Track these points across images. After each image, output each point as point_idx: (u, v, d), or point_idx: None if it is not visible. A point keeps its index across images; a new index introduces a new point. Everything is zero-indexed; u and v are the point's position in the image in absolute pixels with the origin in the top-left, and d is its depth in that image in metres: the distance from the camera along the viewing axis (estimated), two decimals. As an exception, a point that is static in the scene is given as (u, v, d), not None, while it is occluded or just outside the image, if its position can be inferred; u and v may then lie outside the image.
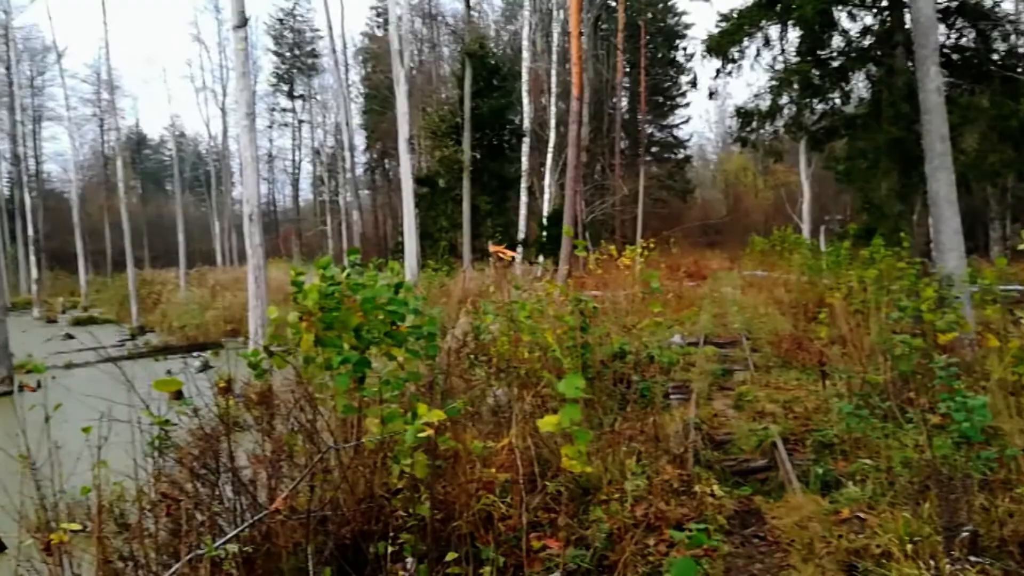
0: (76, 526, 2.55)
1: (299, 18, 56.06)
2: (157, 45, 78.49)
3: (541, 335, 5.27)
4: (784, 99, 17.28)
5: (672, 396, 6.94)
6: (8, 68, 43.77)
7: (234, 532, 2.43)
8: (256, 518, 2.52)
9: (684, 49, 47.63)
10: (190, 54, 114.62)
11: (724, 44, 17.30)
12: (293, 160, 58.95)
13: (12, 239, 44.40)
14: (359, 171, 46.09)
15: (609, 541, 3.14)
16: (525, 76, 29.80)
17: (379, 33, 50.01)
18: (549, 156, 29.28)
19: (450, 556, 3.01)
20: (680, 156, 49.62)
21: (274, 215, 59.28)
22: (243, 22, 10.51)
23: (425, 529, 3.29)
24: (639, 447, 4.29)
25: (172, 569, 2.33)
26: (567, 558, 2.96)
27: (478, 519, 3.18)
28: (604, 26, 40.61)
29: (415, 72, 38.30)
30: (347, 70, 34.05)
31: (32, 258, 36.27)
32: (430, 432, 2.65)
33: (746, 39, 17.23)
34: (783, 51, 17.81)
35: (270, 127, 56.26)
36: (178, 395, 6.16)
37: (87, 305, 34.67)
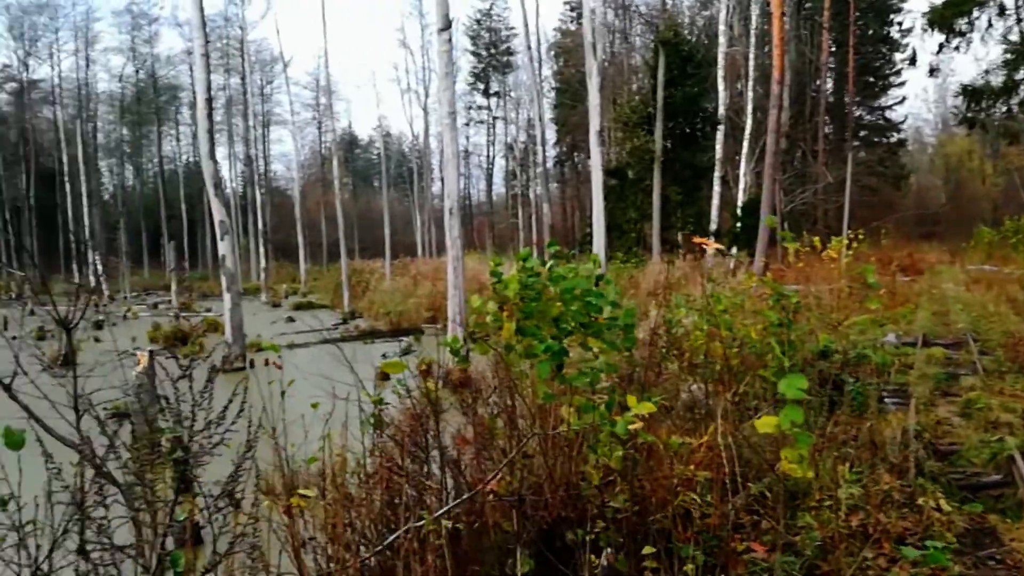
0: (312, 492, 2.82)
1: (495, 17, 57.95)
2: (368, 52, 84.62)
3: (745, 331, 5.06)
4: (1021, 74, 15.29)
5: (887, 400, 6.39)
6: (243, 79, 49.19)
7: (448, 507, 2.57)
8: (467, 496, 2.64)
9: (899, 24, 43.49)
10: (397, 58, 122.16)
11: (950, 16, 15.64)
12: (487, 155, 61.14)
13: (244, 232, 49.79)
14: (549, 164, 46.78)
15: (821, 550, 2.96)
16: (721, 61, 28.71)
17: (572, 28, 50.42)
18: (745, 143, 28.01)
19: (647, 550, 2.97)
20: (893, 140, 45.41)
21: (469, 209, 61.80)
22: (447, 25, 11.03)
23: (621, 521, 3.28)
24: (852, 453, 3.99)
25: (392, 536, 2.50)
26: (776, 564, 2.83)
27: (676, 515, 3.12)
28: (808, 4, 38.13)
29: (607, 64, 38.17)
30: (540, 66, 34.71)
31: (261, 249, 40.57)
32: (640, 425, 2.64)
33: (976, 9, 15.44)
34: (1020, 20, 15.75)
35: (467, 124, 58.67)
36: (385, 376, 6.60)
37: (305, 292, 38.20)
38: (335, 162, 31.26)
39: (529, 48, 27.14)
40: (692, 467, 3.26)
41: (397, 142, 66.07)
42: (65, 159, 45.64)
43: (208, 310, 28.49)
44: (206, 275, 46.43)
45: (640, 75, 43.30)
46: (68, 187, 44.92)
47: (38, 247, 47.95)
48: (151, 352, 8.77)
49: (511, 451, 3.60)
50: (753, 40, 28.50)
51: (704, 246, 3.79)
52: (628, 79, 44.56)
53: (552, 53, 52.51)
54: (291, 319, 26.39)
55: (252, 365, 15.27)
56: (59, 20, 52.99)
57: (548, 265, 3.97)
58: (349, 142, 67.58)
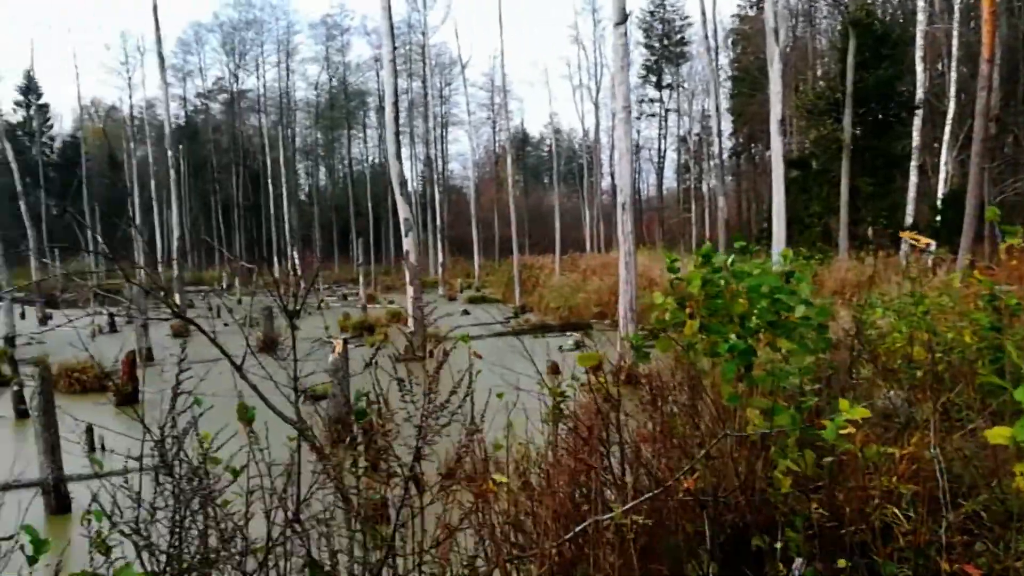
0: (503, 478, 2.93)
1: (669, 8, 56.82)
2: (540, 50, 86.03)
3: (953, 334, 4.63)
4: None
5: None
6: (424, 82, 51.62)
7: (636, 501, 2.57)
8: (656, 492, 2.63)
9: None
10: (568, 55, 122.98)
11: None
12: (659, 149, 60.05)
13: (423, 228, 52.31)
14: (724, 156, 45.15)
15: (1046, 579, 2.65)
16: (919, 41, 26.32)
17: (751, 13, 48.32)
18: (947, 129, 25.52)
19: (841, 563, 2.81)
20: None
21: (639, 203, 61.06)
22: (623, 18, 10.96)
23: (812, 530, 3.13)
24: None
25: (579, 528, 2.55)
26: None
27: (875, 529, 2.93)
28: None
29: (789, 49, 36.20)
30: (717, 54, 33.57)
31: (439, 244, 42.42)
32: (852, 430, 2.51)
33: None
34: None
35: (638, 118, 57.99)
36: (555, 369, 6.68)
37: (479, 286, 39.49)
38: (508, 160, 32.05)
39: (706, 37, 26.34)
40: (894, 479, 3.03)
41: (567, 138, 66.60)
42: (268, 162, 50.24)
43: (391, 302, 30.21)
44: (389, 269, 49.28)
45: (826, 59, 40.69)
46: (271, 187, 49.42)
47: (245, 242, 53.15)
48: (345, 340, 9.46)
49: (693, 451, 3.53)
50: (957, 15, 25.89)
51: (913, 241, 3.51)
52: (812, 64, 42.03)
53: (729, 41, 50.66)
54: (466, 312, 27.38)
55: (431, 355, 16.05)
56: (264, 35, 58.43)
57: (731, 260, 3.85)
58: (521, 140, 68.98)
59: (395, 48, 15.49)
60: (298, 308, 2.48)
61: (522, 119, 71.26)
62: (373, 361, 3.96)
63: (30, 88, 56.83)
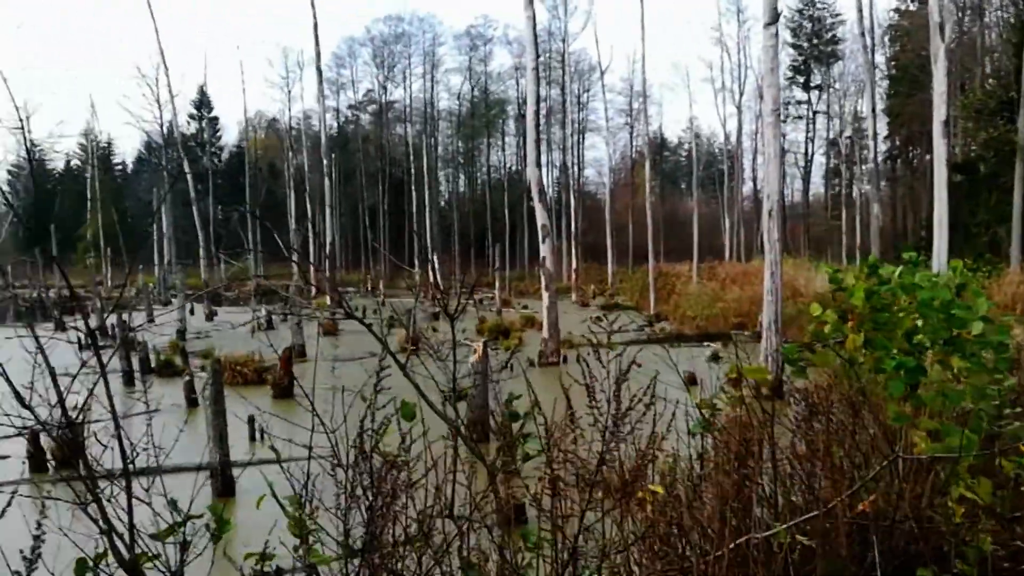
0: (659, 488, 2.91)
1: (819, 5, 54.21)
2: (678, 53, 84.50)
3: None
4: None
5: None
6: (563, 89, 52.02)
7: (797, 520, 2.49)
8: (817, 512, 2.53)
9: None
10: (711, 57, 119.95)
11: None
12: (805, 153, 57.30)
13: (557, 235, 52.61)
14: (879, 160, 42.44)
15: None
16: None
17: (912, 7, 45.22)
18: None
19: (1022, 604, 2.59)
20: None
21: (783, 210, 58.49)
22: (774, 18, 10.57)
23: (985, 563, 2.90)
24: None
25: (734, 543, 2.49)
26: None
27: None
28: None
29: (954, 45, 33.58)
30: (873, 52, 31.62)
31: (572, 251, 42.55)
32: None
33: None
34: None
35: (784, 120, 55.59)
36: (692, 380, 6.52)
37: (612, 293, 39.23)
38: (647, 165, 31.65)
39: (862, 34, 24.87)
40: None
41: (706, 143, 64.91)
42: (412, 170, 52.29)
43: (524, 307, 30.61)
44: (522, 275, 49.93)
45: (997, 55, 37.41)
46: (414, 194, 51.40)
47: (389, 247, 55.53)
48: (485, 343, 9.69)
49: (851, 471, 3.36)
50: None
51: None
52: (981, 61, 38.73)
53: (886, 38, 47.63)
54: (599, 319, 27.23)
55: (566, 360, 16.09)
56: (411, 47, 60.92)
57: (898, 272, 3.64)
58: (659, 144, 67.94)
59: (538, 57, 15.72)
60: (459, 311, 2.58)
61: (660, 123, 70.12)
62: (509, 364, 4.04)
63: (203, 103, 62.20)
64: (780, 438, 3.76)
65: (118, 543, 2.23)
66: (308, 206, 42.31)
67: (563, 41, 48.61)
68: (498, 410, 3.40)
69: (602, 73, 42.57)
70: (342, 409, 2.83)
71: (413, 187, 51.79)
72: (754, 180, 56.60)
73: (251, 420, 9.79)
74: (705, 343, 18.19)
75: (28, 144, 53.18)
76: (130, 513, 2.23)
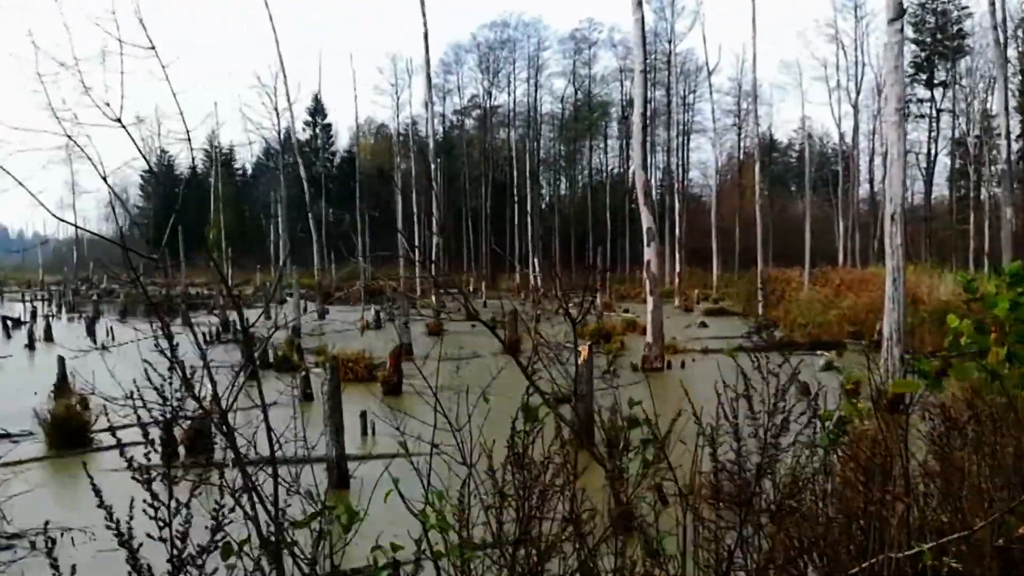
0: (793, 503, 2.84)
1: (943, -1, 51.14)
2: (791, 51, 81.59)
3: None
4: None
5: None
6: (668, 90, 51.23)
7: (946, 539, 2.38)
8: (964, 534, 2.41)
9: None
10: (826, 54, 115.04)
11: None
12: (928, 153, 54.05)
13: (660, 238, 51.78)
14: (1012, 160, 39.56)
15: None
16: None
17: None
18: None
19: None
20: None
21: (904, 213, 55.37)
22: (899, 13, 10.06)
23: None
24: None
25: (867, 563, 2.41)
26: None
27: None
28: None
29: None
30: (1005, 47, 29.51)
31: (676, 254, 41.81)
32: None
33: None
34: None
35: (905, 119, 52.71)
36: (805, 391, 6.26)
37: (717, 298, 38.29)
38: (756, 167, 30.74)
39: (994, 28, 23.25)
40: None
41: (818, 143, 62.29)
42: (515, 174, 52.78)
43: (625, 310, 30.34)
44: (623, 278, 49.45)
45: None
46: (515, 198, 51.87)
47: (490, 249, 56.24)
48: (590, 346, 9.68)
49: (992, 492, 3.17)
50: None
51: None
52: None
53: (1020, 31, 44.35)
54: (704, 324, 26.72)
55: (669, 366, 15.84)
56: (516, 52, 61.49)
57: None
58: (768, 145, 65.76)
59: (646, 59, 15.56)
60: (583, 316, 2.61)
61: (769, 124, 67.78)
62: (611, 369, 4.02)
63: (317, 110, 64.97)
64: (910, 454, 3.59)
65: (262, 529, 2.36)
66: (414, 210, 43.46)
67: (669, 42, 47.82)
68: (603, 414, 3.40)
69: (709, 73, 41.72)
70: (466, 408, 2.92)
71: (515, 190, 52.27)
72: (870, 182, 53.92)
73: (363, 415, 10.16)
74: (818, 352, 17.47)
75: (159, 151, 57.16)
76: (276, 500, 2.36)
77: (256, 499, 2.25)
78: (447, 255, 56.93)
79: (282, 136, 42.92)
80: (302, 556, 2.52)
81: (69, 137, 2.71)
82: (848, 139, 49.17)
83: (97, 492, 2.18)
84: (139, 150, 2.51)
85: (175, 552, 2.17)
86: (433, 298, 28.47)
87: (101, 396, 3.20)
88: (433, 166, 34.13)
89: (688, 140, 57.75)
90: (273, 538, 2.34)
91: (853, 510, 2.94)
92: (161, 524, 2.12)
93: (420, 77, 64.99)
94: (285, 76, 30.81)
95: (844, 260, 43.26)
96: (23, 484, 7.24)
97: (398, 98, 57.30)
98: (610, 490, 2.86)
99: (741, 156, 60.13)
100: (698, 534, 2.67)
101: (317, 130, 65.92)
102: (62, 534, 6.80)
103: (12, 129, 2.66)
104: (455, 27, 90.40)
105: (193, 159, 65.91)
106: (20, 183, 2.70)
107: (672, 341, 18.86)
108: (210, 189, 54.78)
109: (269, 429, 2.36)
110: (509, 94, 62.55)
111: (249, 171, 72.99)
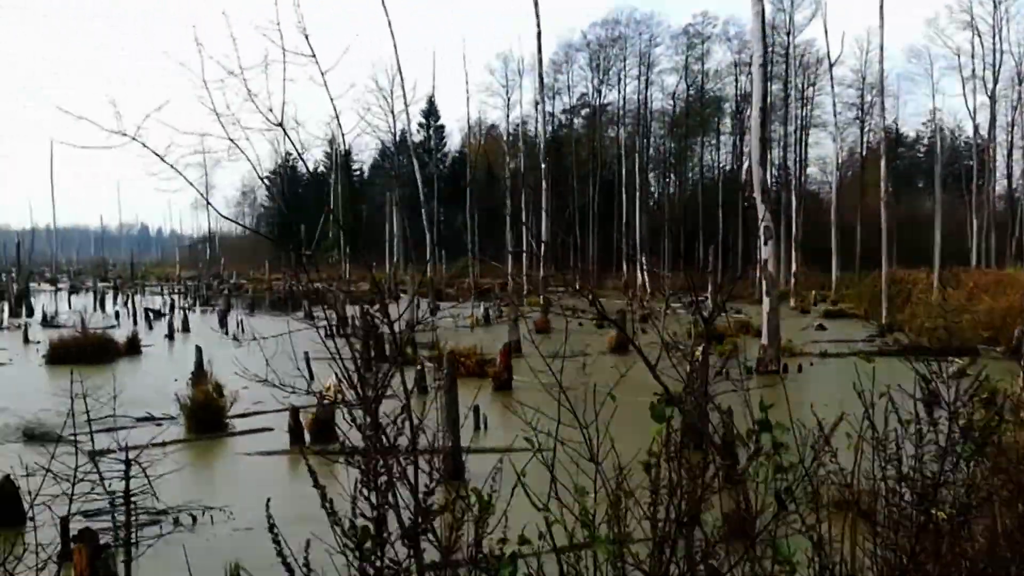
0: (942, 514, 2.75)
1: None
2: (917, 40, 76.74)
3: None
4: None
5: None
6: (785, 84, 49.28)
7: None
8: None
9: None
10: (959, 42, 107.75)
11: None
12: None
13: (775, 237, 49.94)
14: None
15: None
16: None
17: None
18: None
19: None
20: None
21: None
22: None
23: None
24: None
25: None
26: None
27: None
28: None
29: None
30: None
31: (792, 254, 40.27)
32: None
33: None
34: None
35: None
36: (934, 399, 5.92)
37: (835, 299, 36.61)
38: (882, 163, 29.20)
39: None
40: None
41: (949, 137, 58.33)
42: (623, 172, 52.27)
43: (737, 311, 29.50)
44: (734, 278, 47.95)
45: None
46: (624, 196, 51.37)
47: (598, 248, 55.96)
48: (704, 347, 9.52)
49: None
50: None
51: None
52: None
53: None
54: (821, 327, 25.71)
55: (786, 369, 15.30)
56: (626, 50, 60.80)
57: None
58: (894, 140, 62.19)
59: (766, 52, 15.13)
60: (715, 316, 2.61)
61: (895, 117, 63.95)
62: (723, 370, 4.00)
63: (431, 111, 66.62)
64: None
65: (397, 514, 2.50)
66: (523, 209, 43.82)
67: (788, 34, 46.02)
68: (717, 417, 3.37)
69: (831, 65, 39.76)
70: (593, 404, 2.97)
71: (623, 188, 51.75)
72: (1008, 178, 50.11)
73: (476, 409, 10.41)
74: (948, 358, 16.42)
75: (283, 154, 60.17)
76: (414, 486, 2.50)
77: (406, 486, 2.39)
78: (554, 253, 57.11)
79: (398, 138, 44.27)
80: (435, 543, 2.65)
81: (232, 141, 2.97)
82: (984, 131, 45.81)
83: (313, 475, 2.37)
84: (298, 153, 2.73)
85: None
86: (540, 297, 28.68)
87: (254, 380, 3.45)
88: (544, 166, 34.26)
89: (806, 135, 55.40)
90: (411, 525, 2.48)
91: (1001, 526, 2.80)
92: (371, 506, 2.29)
93: (530, 77, 65.53)
94: (403, 80, 31.81)
95: (978, 261, 40.40)
96: (171, 464, 7.84)
97: (508, 98, 57.89)
98: (733, 495, 2.85)
99: (864, 151, 57.13)
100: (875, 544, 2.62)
101: (430, 131, 67.59)
102: (203, 512, 7.35)
103: (182, 133, 2.93)
104: (565, 26, 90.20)
105: (313, 162, 68.99)
106: (191, 184, 2.97)
107: (788, 343, 18.23)
108: (329, 191, 57.16)
109: (411, 419, 2.51)
110: (619, 92, 61.96)
111: (366, 173, 75.66)
